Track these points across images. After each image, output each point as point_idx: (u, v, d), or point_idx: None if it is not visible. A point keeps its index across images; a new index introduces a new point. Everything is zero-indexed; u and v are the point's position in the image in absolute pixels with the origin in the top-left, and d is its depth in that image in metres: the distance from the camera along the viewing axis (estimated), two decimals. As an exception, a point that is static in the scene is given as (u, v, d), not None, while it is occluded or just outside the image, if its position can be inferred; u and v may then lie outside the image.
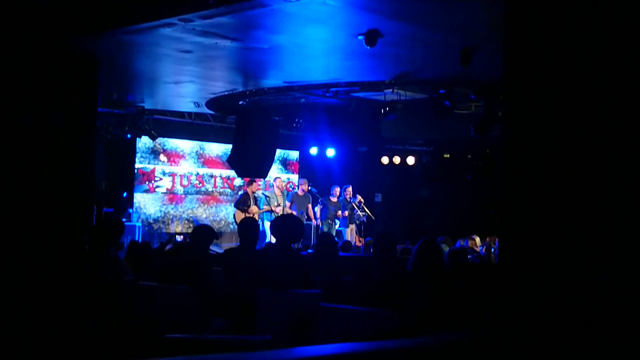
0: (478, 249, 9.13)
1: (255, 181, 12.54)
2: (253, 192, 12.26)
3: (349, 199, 12.20)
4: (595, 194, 2.99)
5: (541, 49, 3.19)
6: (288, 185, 12.26)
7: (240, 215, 12.01)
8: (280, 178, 12.44)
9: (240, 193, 12.62)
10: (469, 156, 14.81)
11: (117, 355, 2.80)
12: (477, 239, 9.47)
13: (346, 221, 12.20)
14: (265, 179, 14.55)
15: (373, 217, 12.45)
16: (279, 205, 11.90)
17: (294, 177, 15.22)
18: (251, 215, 11.88)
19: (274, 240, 5.97)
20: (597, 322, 2.84)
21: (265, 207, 12.22)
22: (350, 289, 4.66)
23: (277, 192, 11.81)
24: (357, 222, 12.27)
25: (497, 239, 9.32)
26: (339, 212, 12.04)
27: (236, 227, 11.64)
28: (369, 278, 4.55)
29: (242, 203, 12.05)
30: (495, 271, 4.82)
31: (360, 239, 12.57)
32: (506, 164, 3.33)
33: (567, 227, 3.04)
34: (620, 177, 2.93)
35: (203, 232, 5.59)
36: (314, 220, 12.36)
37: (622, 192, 2.92)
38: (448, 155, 15.12)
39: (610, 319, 2.84)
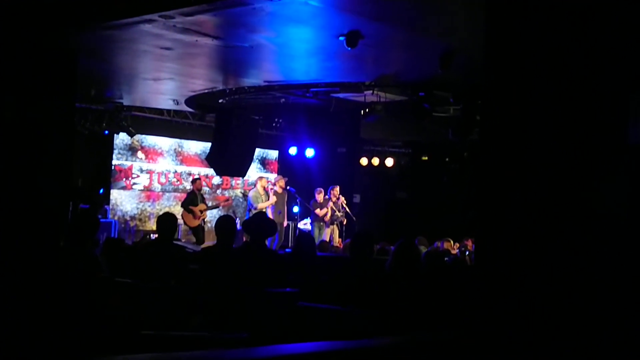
0: (454, 251, 9.19)
1: (199, 179, 12.49)
2: (199, 190, 12.21)
3: (335, 200, 12.13)
4: (572, 196, 3.03)
5: (521, 54, 3.24)
6: (268, 184, 12.17)
7: (187, 216, 11.92)
8: (264, 177, 12.37)
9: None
10: (447, 159, 14.91)
11: (92, 351, 2.79)
12: (452, 242, 9.53)
13: (329, 222, 12.15)
14: (244, 178, 14.52)
15: (354, 218, 12.46)
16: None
17: (273, 177, 15.19)
18: (199, 214, 11.87)
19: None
20: (574, 320, 2.89)
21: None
22: (327, 288, 4.67)
23: (261, 191, 11.75)
24: (336, 222, 12.25)
25: (473, 242, 9.41)
26: (318, 210, 11.95)
27: (212, 226, 11.65)
28: (347, 278, 4.57)
29: (188, 202, 11.97)
30: (471, 273, 4.87)
31: (339, 239, 12.55)
32: (484, 167, 3.37)
33: (543, 229, 3.08)
34: (597, 179, 2.98)
35: (168, 221, 5.57)
36: (285, 221, 12.26)
37: (598, 195, 2.97)
38: (426, 158, 15.21)
39: (589, 317, 2.88)
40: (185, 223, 12.06)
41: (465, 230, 10.18)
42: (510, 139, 3.26)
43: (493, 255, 3.29)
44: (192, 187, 12.38)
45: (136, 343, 2.80)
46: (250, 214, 11.49)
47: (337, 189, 12.16)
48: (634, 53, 3.03)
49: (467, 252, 9.26)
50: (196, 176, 12.98)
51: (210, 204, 12.65)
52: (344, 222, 12.31)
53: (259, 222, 5.33)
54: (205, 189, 13.91)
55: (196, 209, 11.92)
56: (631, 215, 2.92)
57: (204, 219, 12.06)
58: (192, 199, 12.01)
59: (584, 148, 3.00)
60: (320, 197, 11.99)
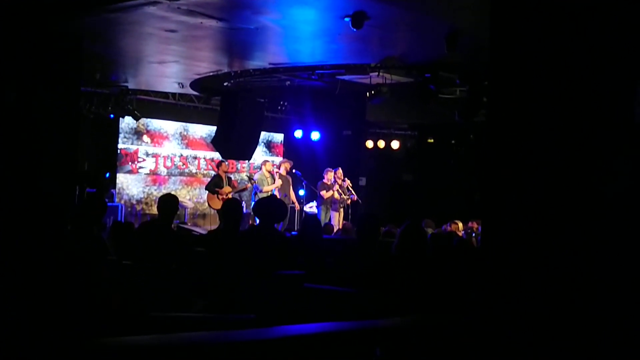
0: (461, 234, 9.20)
1: (224, 162, 12.44)
2: (225, 172, 12.18)
3: (340, 182, 12.13)
4: (578, 180, 3.02)
5: (527, 35, 3.21)
6: (273, 168, 12.16)
7: (212, 197, 11.92)
8: (269, 161, 12.36)
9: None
10: (453, 141, 14.88)
11: (98, 332, 2.81)
12: (460, 224, 9.54)
13: (336, 205, 12.15)
14: (250, 162, 14.53)
15: (359, 201, 12.46)
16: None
17: (278, 160, 15.20)
18: (224, 197, 11.78)
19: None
20: (577, 305, 2.89)
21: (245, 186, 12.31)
22: (333, 270, 4.68)
23: (267, 174, 11.74)
24: (341, 205, 12.25)
25: (479, 224, 9.41)
26: (323, 192, 11.93)
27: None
28: (353, 260, 4.58)
29: (213, 185, 11.95)
30: (478, 255, 4.87)
31: (344, 222, 12.56)
32: (490, 150, 3.36)
33: (549, 212, 3.08)
34: (604, 163, 2.97)
35: (170, 201, 5.58)
36: (297, 205, 12.30)
37: (605, 178, 2.95)
38: (432, 140, 15.18)
39: (589, 302, 2.89)
40: (210, 205, 12.08)
41: (472, 212, 10.18)
42: (517, 120, 3.25)
43: (500, 238, 3.28)
44: (217, 171, 12.32)
45: (143, 324, 2.81)
46: (256, 198, 11.50)
47: (340, 171, 12.14)
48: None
49: (474, 234, 9.27)
50: (221, 160, 12.81)
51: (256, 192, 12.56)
52: (348, 204, 12.30)
53: (270, 206, 5.31)
54: (212, 172, 13.91)
55: (222, 191, 11.90)
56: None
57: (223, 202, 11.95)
58: (217, 182, 11.98)
59: (591, 127, 2.98)
60: (329, 176, 11.97)
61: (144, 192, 13.49)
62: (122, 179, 13.18)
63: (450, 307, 4.04)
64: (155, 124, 13.65)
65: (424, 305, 4.05)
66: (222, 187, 11.95)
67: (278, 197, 11.31)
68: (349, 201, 12.24)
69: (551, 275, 3.01)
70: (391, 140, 15.00)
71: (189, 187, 14.18)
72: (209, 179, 13.19)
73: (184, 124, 14.01)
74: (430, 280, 4.31)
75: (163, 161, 13.82)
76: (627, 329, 2.80)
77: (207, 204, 12.49)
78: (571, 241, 2.99)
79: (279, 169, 12.10)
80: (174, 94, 13.05)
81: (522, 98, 3.22)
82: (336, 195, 11.97)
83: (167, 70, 10.25)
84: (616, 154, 2.98)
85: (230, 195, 11.87)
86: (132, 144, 13.35)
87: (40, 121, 7.17)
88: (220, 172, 12.12)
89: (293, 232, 8.51)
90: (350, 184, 12.30)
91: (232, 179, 12.97)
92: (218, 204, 11.76)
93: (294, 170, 12.11)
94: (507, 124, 3.29)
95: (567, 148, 3.05)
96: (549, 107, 3.12)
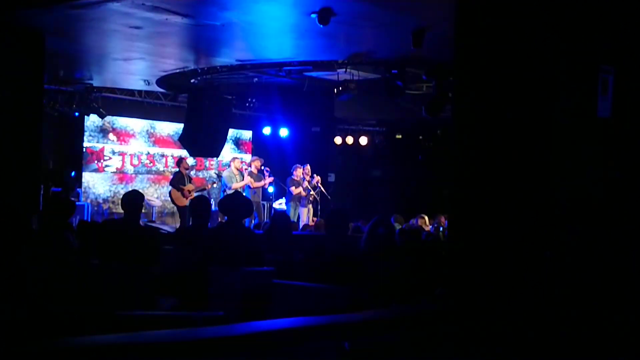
0: (428, 228, 9.28)
1: (184, 159, 12.30)
2: (186, 169, 12.06)
3: (308, 179, 12.13)
4: (542, 173, 3.07)
5: (492, 30, 3.24)
6: (241, 165, 12.11)
7: (177, 194, 11.78)
8: (238, 158, 12.29)
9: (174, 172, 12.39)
10: (420, 137, 15.01)
11: (65, 332, 2.77)
12: (426, 218, 9.63)
13: (304, 201, 12.14)
14: (218, 159, 14.45)
15: (329, 197, 12.47)
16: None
17: (247, 157, 15.14)
18: (188, 195, 11.69)
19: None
20: (543, 295, 2.94)
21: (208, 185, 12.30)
22: (303, 266, 4.69)
23: (235, 172, 11.68)
24: (309, 202, 12.26)
25: (446, 219, 9.50)
26: (293, 188, 11.92)
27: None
28: (322, 255, 4.59)
29: (177, 182, 11.81)
30: (445, 249, 4.92)
31: (314, 218, 12.58)
32: (456, 145, 3.39)
33: (514, 206, 3.12)
34: (567, 156, 3.02)
35: (134, 198, 5.52)
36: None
37: (569, 171, 3.01)
38: (400, 136, 15.29)
39: (555, 292, 2.94)
40: (173, 202, 11.90)
41: (440, 207, 10.28)
42: (482, 115, 3.28)
43: (466, 232, 3.32)
44: (179, 167, 12.14)
45: (110, 323, 2.78)
46: (225, 195, 11.45)
47: (308, 167, 12.14)
48: (603, 25, 3.06)
49: (441, 229, 9.36)
50: (181, 156, 12.65)
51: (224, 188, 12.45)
52: (313, 199, 12.31)
53: (235, 202, 5.30)
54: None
55: (185, 189, 11.77)
56: (602, 185, 2.97)
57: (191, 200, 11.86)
58: (180, 179, 11.81)
59: (555, 121, 3.03)
60: (298, 172, 11.96)
61: (110, 190, 13.32)
62: (88, 177, 13.00)
63: (418, 300, 4.07)
64: (122, 121, 13.48)
65: (392, 299, 4.08)
66: (185, 184, 11.83)
67: (251, 194, 11.32)
68: (313, 197, 12.24)
69: (517, 269, 3.06)
70: (359, 137, 15.06)
71: (157, 185, 14.04)
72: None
73: (150, 121, 13.85)
74: (398, 274, 4.34)
75: (130, 159, 13.65)
76: (584, 322, 2.86)
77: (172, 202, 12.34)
78: (536, 234, 3.04)
79: (250, 166, 12.05)
80: (140, 91, 12.91)
81: (486, 92, 3.26)
82: (303, 192, 11.98)
83: (133, 67, 10.13)
84: (579, 147, 3.03)
85: (193, 194, 11.77)
86: (97, 142, 13.17)
87: (2, 119, 7.03)
88: (182, 169, 11.99)
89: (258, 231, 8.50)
90: (320, 181, 12.31)
91: (193, 176, 12.87)
92: (182, 201, 11.65)
93: (262, 167, 12.07)
94: (472, 119, 3.32)
95: (532, 142, 3.09)
96: (513, 102, 3.16)
